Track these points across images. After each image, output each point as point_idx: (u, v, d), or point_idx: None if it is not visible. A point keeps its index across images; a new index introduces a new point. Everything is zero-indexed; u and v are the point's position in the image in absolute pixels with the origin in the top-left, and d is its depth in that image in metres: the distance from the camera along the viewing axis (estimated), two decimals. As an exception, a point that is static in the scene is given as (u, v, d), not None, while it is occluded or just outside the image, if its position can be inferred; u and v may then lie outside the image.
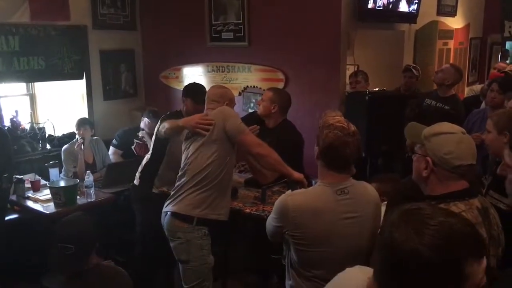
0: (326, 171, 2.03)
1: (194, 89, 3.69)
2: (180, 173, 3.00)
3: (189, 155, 2.95)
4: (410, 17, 5.11)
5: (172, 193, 3.03)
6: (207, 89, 3.44)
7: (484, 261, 0.95)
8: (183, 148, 3.07)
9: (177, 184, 3.00)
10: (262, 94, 4.67)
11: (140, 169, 3.74)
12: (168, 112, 3.79)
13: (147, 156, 3.74)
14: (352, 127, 2.02)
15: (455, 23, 6.64)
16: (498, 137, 2.46)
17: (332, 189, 1.98)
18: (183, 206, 2.90)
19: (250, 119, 3.66)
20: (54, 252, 2.30)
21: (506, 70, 4.75)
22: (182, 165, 3.00)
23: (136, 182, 3.75)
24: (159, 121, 3.47)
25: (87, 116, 5.09)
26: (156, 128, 3.54)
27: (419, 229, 0.94)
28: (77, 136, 4.45)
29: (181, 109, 3.66)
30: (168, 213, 2.97)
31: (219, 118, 2.88)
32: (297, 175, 2.88)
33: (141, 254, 3.79)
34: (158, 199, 3.23)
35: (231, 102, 3.17)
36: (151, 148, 3.73)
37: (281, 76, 4.58)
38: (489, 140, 2.49)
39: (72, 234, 2.30)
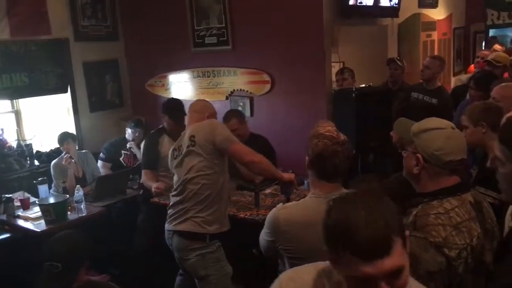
0: (317, 180, 2.03)
1: (171, 106, 3.78)
2: (176, 192, 2.96)
3: (183, 173, 2.90)
4: (392, 11, 5.11)
5: (172, 211, 2.97)
6: (188, 101, 3.56)
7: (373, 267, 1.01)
8: (171, 165, 3.05)
9: (175, 201, 2.96)
10: (249, 98, 4.71)
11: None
12: (152, 131, 3.91)
13: None
14: (342, 137, 2.01)
15: (437, 14, 6.66)
16: (476, 129, 2.47)
17: (323, 200, 1.92)
18: (192, 225, 2.87)
19: None
20: (42, 271, 2.27)
21: (488, 58, 4.74)
22: (177, 184, 2.95)
23: (140, 192, 4.14)
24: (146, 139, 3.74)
25: (74, 129, 5.05)
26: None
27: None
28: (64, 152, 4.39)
29: (163, 125, 3.79)
30: (176, 233, 2.93)
31: (208, 132, 2.85)
32: (288, 176, 2.91)
33: (139, 251, 3.97)
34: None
35: (212, 115, 3.12)
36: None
37: (267, 78, 4.56)
38: (468, 135, 2.48)
39: (59, 252, 2.28)
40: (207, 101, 3.37)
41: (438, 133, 1.63)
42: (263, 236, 2.11)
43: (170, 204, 3.01)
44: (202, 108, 3.11)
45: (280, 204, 2.12)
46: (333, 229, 1.07)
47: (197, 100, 3.38)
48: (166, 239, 3.01)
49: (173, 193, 2.98)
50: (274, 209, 2.08)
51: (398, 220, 1.08)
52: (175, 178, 2.99)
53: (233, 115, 3.92)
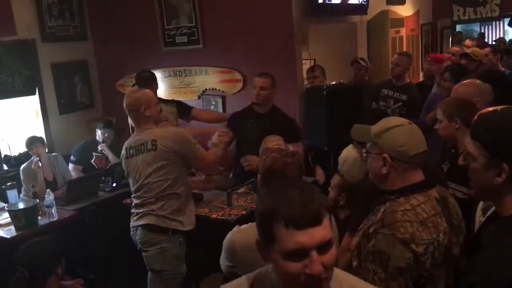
0: None
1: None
2: (136, 191, 2.99)
3: (142, 174, 2.93)
4: (360, 9, 5.17)
5: (134, 210, 3.01)
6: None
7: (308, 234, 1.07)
8: (126, 165, 3.03)
9: (136, 201, 2.99)
10: (221, 97, 4.68)
11: None
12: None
13: None
14: (291, 148, 1.97)
15: (405, 10, 6.76)
16: (449, 124, 2.51)
17: None
18: (153, 219, 2.91)
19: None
20: (13, 279, 2.25)
21: (467, 51, 4.79)
22: (136, 184, 2.97)
23: None
24: None
25: (43, 132, 4.96)
26: None
27: None
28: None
29: None
30: (140, 227, 2.95)
31: (173, 140, 2.90)
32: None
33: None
34: None
35: (150, 102, 2.99)
36: None
37: (238, 76, 4.56)
38: (442, 129, 2.53)
39: (26, 259, 2.28)
40: (135, 92, 3.17)
41: (398, 130, 1.67)
42: (223, 261, 1.99)
43: (132, 204, 3.04)
44: (136, 104, 2.95)
45: (236, 227, 2.00)
46: (269, 208, 1.13)
47: (126, 97, 3.06)
48: (132, 236, 3.03)
49: (133, 192, 3.02)
50: (229, 233, 1.96)
51: (326, 199, 1.16)
52: (132, 178, 3.00)
53: (269, 76, 3.74)
